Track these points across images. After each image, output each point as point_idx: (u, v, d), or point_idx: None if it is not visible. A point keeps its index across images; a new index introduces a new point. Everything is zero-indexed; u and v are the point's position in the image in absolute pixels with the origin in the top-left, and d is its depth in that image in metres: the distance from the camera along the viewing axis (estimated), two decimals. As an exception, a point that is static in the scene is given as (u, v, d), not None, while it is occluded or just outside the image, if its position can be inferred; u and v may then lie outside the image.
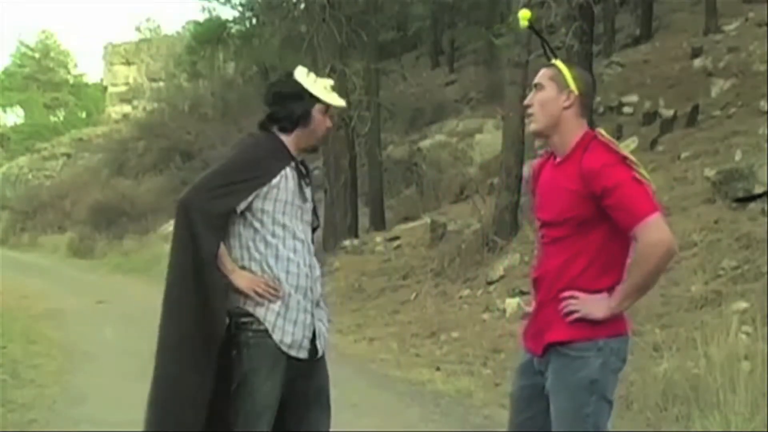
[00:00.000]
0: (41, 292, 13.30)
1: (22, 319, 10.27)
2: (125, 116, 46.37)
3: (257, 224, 2.85)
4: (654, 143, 11.79)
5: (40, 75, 53.64)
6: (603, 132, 2.59)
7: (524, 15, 2.76)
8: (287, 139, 2.93)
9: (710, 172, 8.40)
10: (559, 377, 2.54)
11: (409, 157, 18.62)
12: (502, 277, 9.09)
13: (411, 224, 14.24)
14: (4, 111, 55.74)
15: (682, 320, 5.98)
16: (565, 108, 2.57)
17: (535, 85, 2.63)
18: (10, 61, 54.94)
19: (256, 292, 2.81)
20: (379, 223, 15.34)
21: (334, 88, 3.00)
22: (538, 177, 2.75)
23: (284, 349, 2.83)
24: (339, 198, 14.17)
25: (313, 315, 2.92)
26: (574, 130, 2.58)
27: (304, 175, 2.97)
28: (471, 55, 25.62)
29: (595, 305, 2.50)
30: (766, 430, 4.07)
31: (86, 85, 56.46)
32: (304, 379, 2.92)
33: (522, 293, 8.35)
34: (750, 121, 10.48)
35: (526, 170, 9.88)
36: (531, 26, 2.78)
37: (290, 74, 2.97)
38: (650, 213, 2.43)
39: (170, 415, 2.79)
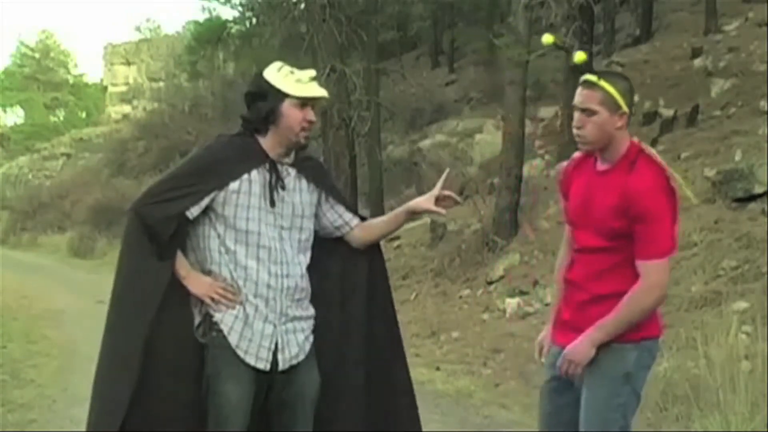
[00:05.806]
0: (41, 292, 13.26)
1: (22, 319, 10.27)
2: (125, 116, 46.42)
3: (220, 228, 2.73)
4: (654, 143, 11.76)
5: (40, 75, 53.68)
6: (644, 145, 2.71)
7: (548, 39, 2.95)
8: (264, 141, 2.78)
9: (710, 172, 8.38)
10: (598, 366, 2.63)
11: (409, 157, 18.62)
12: (502, 277, 9.09)
13: (411, 224, 14.21)
14: (4, 111, 55.84)
15: (682, 320, 5.98)
16: (618, 128, 2.67)
17: (584, 110, 2.65)
18: (10, 61, 55.11)
19: (212, 298, 2.71)
20: (379, 223, 15.32)
21: (314, 78, 2.77)
22: (571, 180, 2.82)
23: (240, 354, 2.71)
24: (339, 198, 14.14)
25: (275, 326, 2.75)
26: (623, 141, 2.71)
27: (280, 178, 2.78)
28: (471, 55, 25.62)
29: (580, 353, 2.61)
30: (766, 430, 4.07)
31: (86, 85, 56.51)
32: (282, 387, 2.79)
33: (522, 293, 8.35)
34: (750, 121, 10.46)
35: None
36: (558, 46, 2.97)
37: (261, 72, 2.80)
38: (663, 255, 2.57)
39: (91, 416, 2.74)
